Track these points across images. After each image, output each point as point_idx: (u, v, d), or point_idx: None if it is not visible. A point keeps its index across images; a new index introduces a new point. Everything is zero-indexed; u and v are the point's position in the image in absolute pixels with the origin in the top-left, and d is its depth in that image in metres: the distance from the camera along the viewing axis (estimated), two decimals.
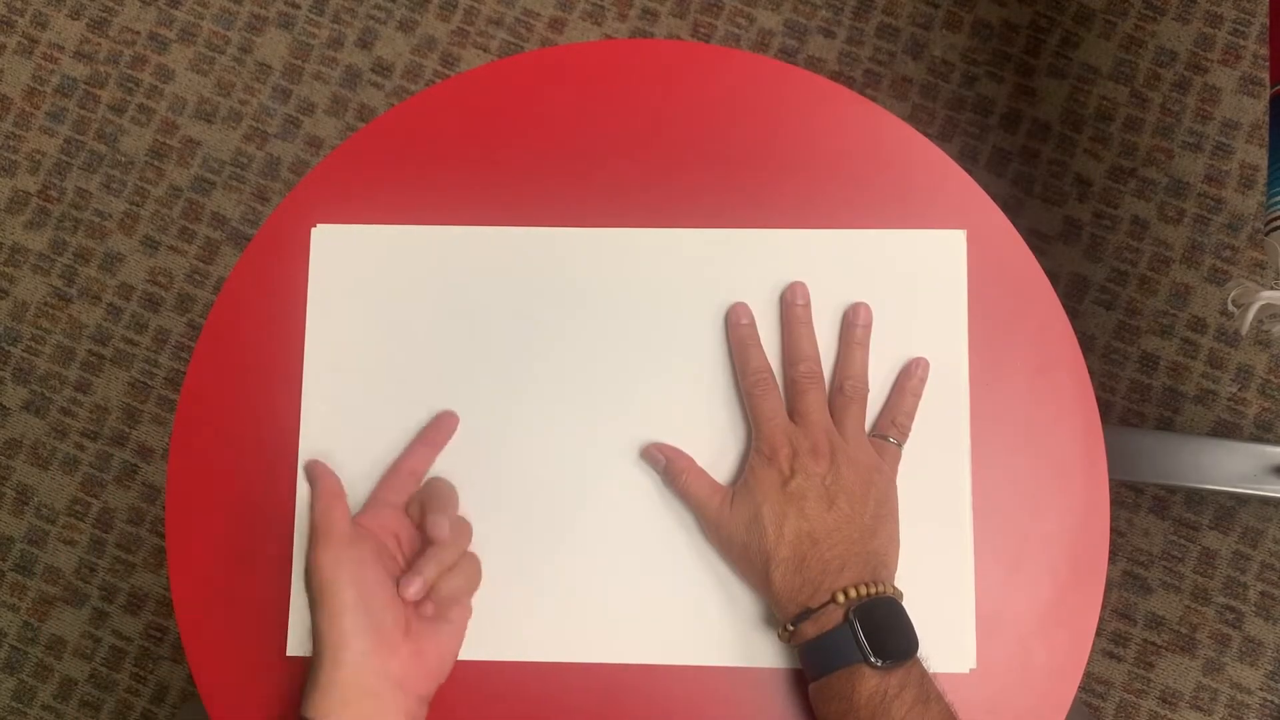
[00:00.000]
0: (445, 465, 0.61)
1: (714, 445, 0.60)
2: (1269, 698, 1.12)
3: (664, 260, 0.62)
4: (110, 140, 1.24)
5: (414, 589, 0.54)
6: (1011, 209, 1.18)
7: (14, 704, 1.18)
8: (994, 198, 0.63)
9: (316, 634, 0.52)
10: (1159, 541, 1.14)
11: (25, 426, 1.21)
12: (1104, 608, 1.10)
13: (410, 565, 0.56)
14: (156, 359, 1.21)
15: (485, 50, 1.24)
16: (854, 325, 0.60)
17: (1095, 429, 0.60)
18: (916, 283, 0.61)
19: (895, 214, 0.62)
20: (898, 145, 0.63)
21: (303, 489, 0.61)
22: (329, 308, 0.62)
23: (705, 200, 0.63)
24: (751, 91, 0.64)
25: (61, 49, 1.26)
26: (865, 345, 0.60)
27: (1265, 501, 1.13)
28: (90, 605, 1.19)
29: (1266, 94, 1.15)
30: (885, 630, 0.52)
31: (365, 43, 1.25)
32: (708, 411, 0.61)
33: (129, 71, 1.25)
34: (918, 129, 0.65)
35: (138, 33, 1.26)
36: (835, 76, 1.22)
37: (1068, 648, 0.58)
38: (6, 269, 1.23)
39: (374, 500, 0.59)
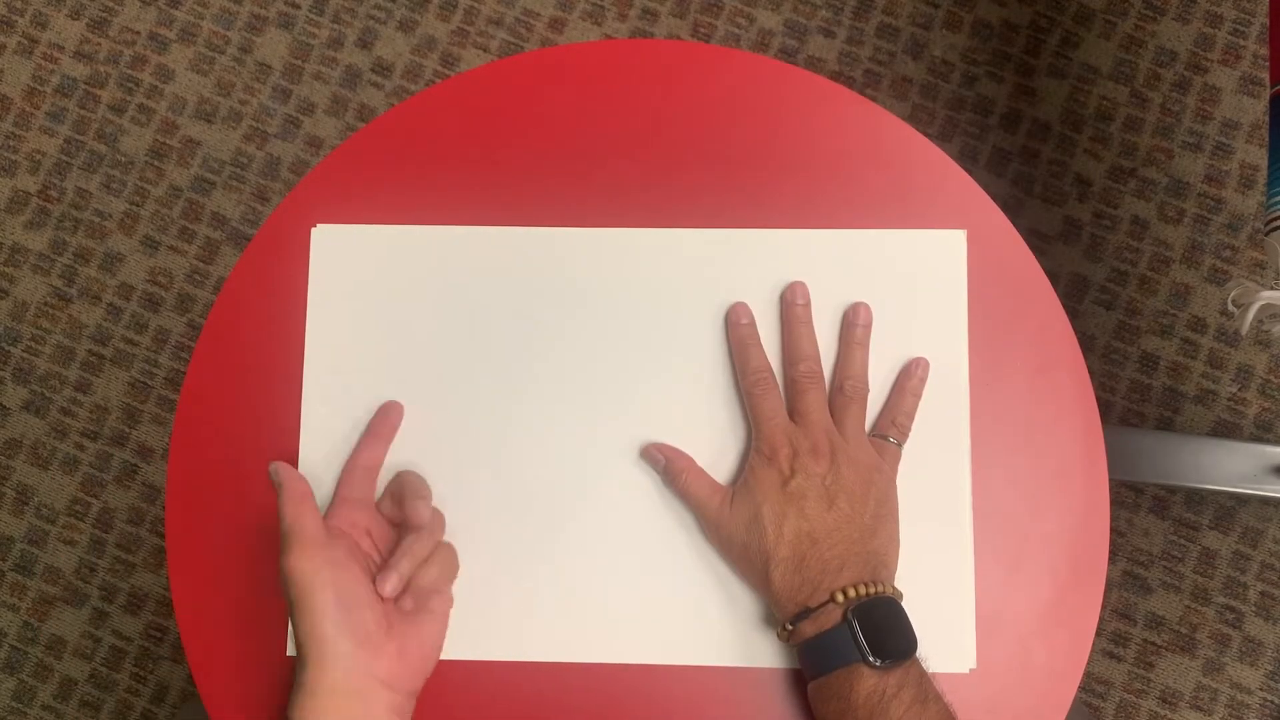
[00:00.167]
0: (446, 465, 0.61)
1: (714, 445, 0.60)
2: (1269, 698, 1.12)
3: (664, 260, 0.62)
4: (110, 140, 1.24)
5: (390, 585, 0.53)
6: (1011, 209, 1.18)
7: (14, 704, 1.18)
8: (994, 198, 0.63)
9: (299, 638, 0.52)
10: (1159, 541, 1.14)
11: (25, 426, 1.21)
12: (1104, 608, 1.10)
13: (385, 561, 0.56)
14: (156, 359, 1.21)
15: (485, 50, 1.24)
16: (854, 325, 0.60)
17: (1095, 429, 0.60)
18: (916, 283, 0.61)
19: (895, 214, 0.62)
20: (898, 145, 0.63)
21: None
22: (329, 308, 0.62)
23: (705, 200, 0.63)
24: (751, 91, 0.64)
25: (61, 49, 1.26)
26: (865, 345, 0.60)
27: (1265, 501, 1.13)
28: (90, 605, 1.19)
29: (1266, 94, 1.15)
30: (884, 630, 0.52)
31: (365, 43, 1.25)
32: (708, 411, 0.61)
33: (129, 71, 1.25)
34: (918, 129, 0.65)
35: (138, 33, 1.26)
36: (835, 76, 1.22)
37: (1068, 648, 0.58)
38: (6, 269, 1.23)
39: (339, 500, 0.58)
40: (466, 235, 0.63)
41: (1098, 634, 1.02)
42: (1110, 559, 1.08)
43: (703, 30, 1.24)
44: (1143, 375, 1.16)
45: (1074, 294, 1.17)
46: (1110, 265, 1.18)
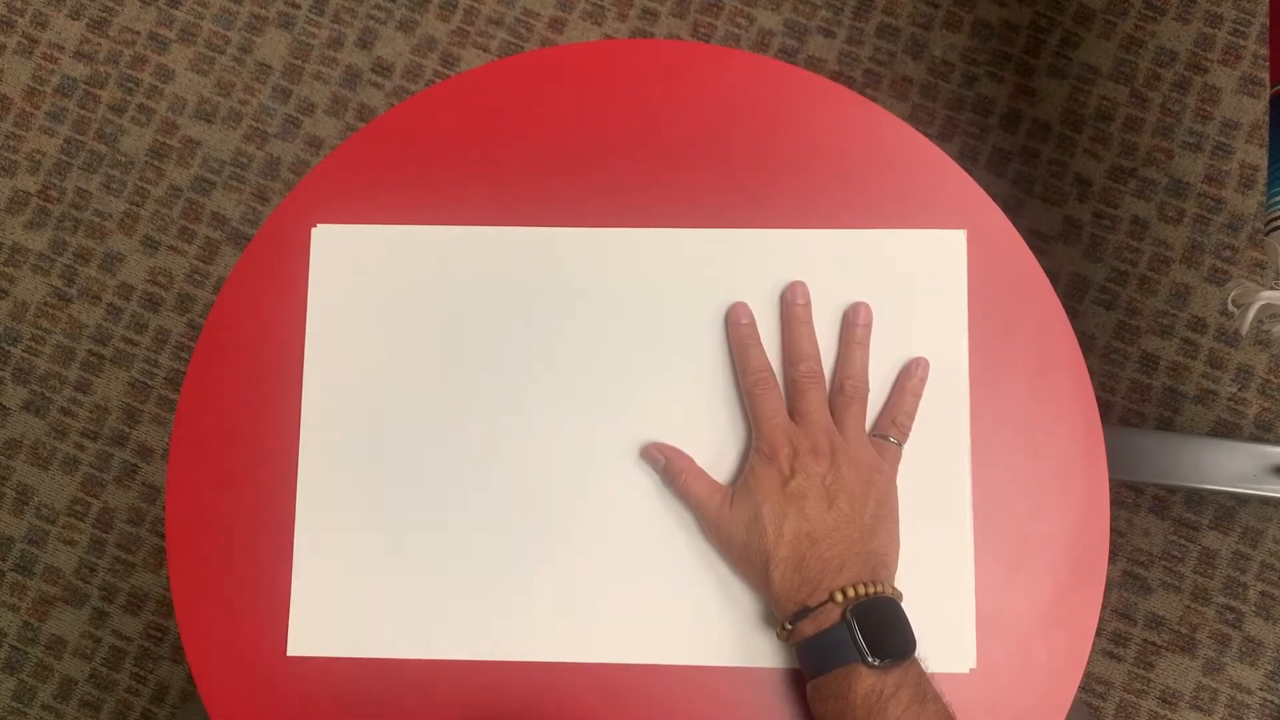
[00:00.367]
0: (445, 465, 0.61)
1: (714, 445, 0.60)
2: (1269, 698, 1.12)
3: (664, 260, 0.62)
4: (110, 140, 1.24)
5: None
6: (1011, 209, 1.18)
7: (14, 704, 1.18)
8: (994, 198, 0.63)
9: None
10: (1159, 541, 1.14)
11: (25, 426, 1.21)
12: (1104, 608, 1.10)
13: None
14: (156, 359, 1.21)
15: (485, 50, 1.24)
16: (854, 325, 0.60)
17: (1095, 429, 0.60)
18: (916, 283, 0.61)
19: (895, 214, 0.62)
20: (898, 145, 0.63)
21: (303, 489, 0.60)
22: (329, 308, 0.62)
23: (705, 200, 0.63)
24: (751, 91, 0.64)
25: (61, 49, 1.26)
26: (865, 345, 0.60)
27: (1265, 501, 1.13)
28: (90, 605, 1.19)
29: (1266, 94, 1.15)
30: (883, 630, 0.52)
31: (365, 43, 1.25)
32: (708, 411, 0.61)
33: (129, 71, 1.25)
34: (918, 129, 0.65)
35: (138, 33, 1.26)
36: (835, 76, 1.22)
37: (1068, 648, 0.58)
38: (6, 269, 1.23)
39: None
40: (466, 235, 0.63)
41: (1098, 634, 1.02)
42: (1110, 559, 1.08)
43: (703, 30, 1.24)
44: (1143, 375, 1.16)
45: (1074, 294, 1.17)
46: (1110, 265, 1.18)
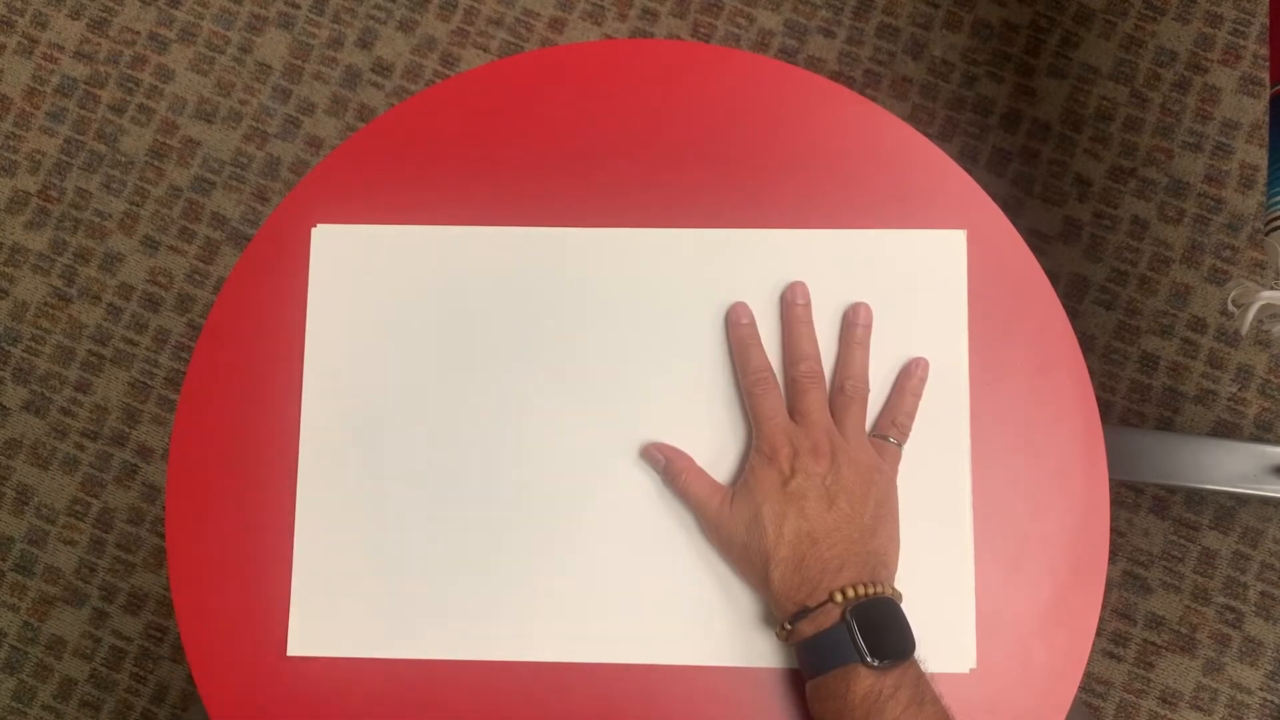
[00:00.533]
0: (445, 465, 0.61)
1: (714, 445, 0.60)
2: (1269, 698, 1.12)
3: (664, 260, 0.62)
4: (110, 140, 1.24)
5: None
6: (1011, 209, 1.18)
7: (14, 704, 1.18)
8: (994, 198, 0.63)
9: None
10: (1159, 541, 1.14)
11: (25, 426, 1.21)
12: (1104, 608, 1.10)
13: None
14: (156, 359, 1.21)
15: (485, 50, 1.24)
16: (854, 325, 0.60)
17: (1095, 429, 0.60)
18: (916, 283, 0.61)
19: (895, 214, 0.62)
20: (898, 145, 0.63)
21: (303, 489, 0.61)
22: (329, 308, 0.62)
23: (705, 200, 0.63)
24: (751, 91, 0.64)
25: (61, 49, 1.26)
26: (865, 345, 0.60)
27: (1265, 501, 1.13)
28: (90, 605, 1.19)
29: (1266, 94, 1.15)
30: (882, 630, 0.52)
31: (365, 43, 1.25)
32: (708, 411, 0.61)
33: (129, 71, 1.25)
34: (918, 129, 0.65)
35: (138, 33, 1.26)
36: (835, 76, 1.22)
37: (1068, 648, 0.58)
38: (6, 269, 1.23)
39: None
40: (466, 235, 0.63)
41: (1098, 634, 1.02)
42: (1110, 559, 1.08)
43: (703, 30, 1.24)
44: (1143, 375, 1.16)
45: (1074, 294, 1.17)
46: (1110, 265, 1.18)
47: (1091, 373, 0.64)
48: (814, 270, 0.61)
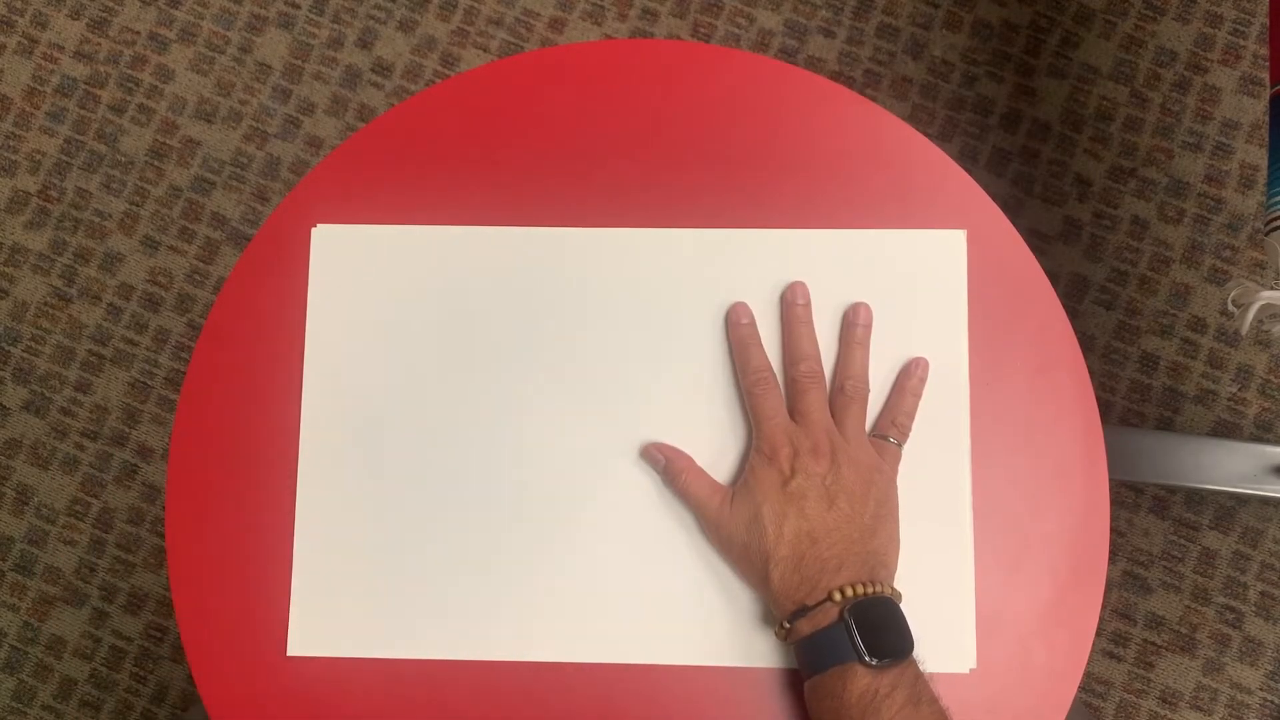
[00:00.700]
0: (445, 465, 0.61)
1: (714, 445, 0.60)
2: (1269, 698, 1.12)
3: (664, 260, 0.62)
4: (110, 140, 1.24)
5: None
6: (1011, 209, 1.18)
7: (14, 704, 1.18)
8: (994, 198, 0.63)
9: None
10: (1159, 541, 1.14)
11: (25, 426, 1.21)
12: (1104, 608, 1.10)
13: None
14: (156, 359, 1.21)
15: (485, 50, 1.24)
16: (854, 325, 0.60)
17: (1095, 429, 0.60)
18: (916, 283, 0.61)
19: (895, 214, 0.62)
20: (898, 145, 0.63)
21: (303, 489, 0.61)
22: (329, 308, 0.62)
23: (705, 200, 0.63)
24: (751, 91, 0.64)
25: (61, 49, 1.26)
26: (866, 345, 0.60)
27: (1265, 501, 1.13)
28: (90, 605, 1.19)
29: (1266, 94, 1.15)
30: (880, 629, 0.52)
31: (365, 43, 1.25)
32: (708, 411, 0.61)
33: (129, 71, 1.25)
34: (918, 129, 0.65)
35: (138, 33, 1.26)
36: (835, 76, 1.22)
37: (1068, 648, 0.58)
38: (6, 269, 1.23)
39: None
40: (466, 235, 0.63)
41: (1098, 634, 1.02)
42: (1110, 559, 1.08)
43: (703, 30, 1.24)
44: (1143, 375, 1.16)
45: (1074, 294, 1.17)
46: (1110, 265, 1.18)
47: (1091, 373, 0.64)
48: (814, 270, 0.61)
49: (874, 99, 1.10)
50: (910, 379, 0.60)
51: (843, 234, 0.62)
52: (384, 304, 0.62)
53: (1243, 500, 1.13)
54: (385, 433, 0.61)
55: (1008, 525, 0.59)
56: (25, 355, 1.22)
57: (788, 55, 1.22)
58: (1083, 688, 1.13)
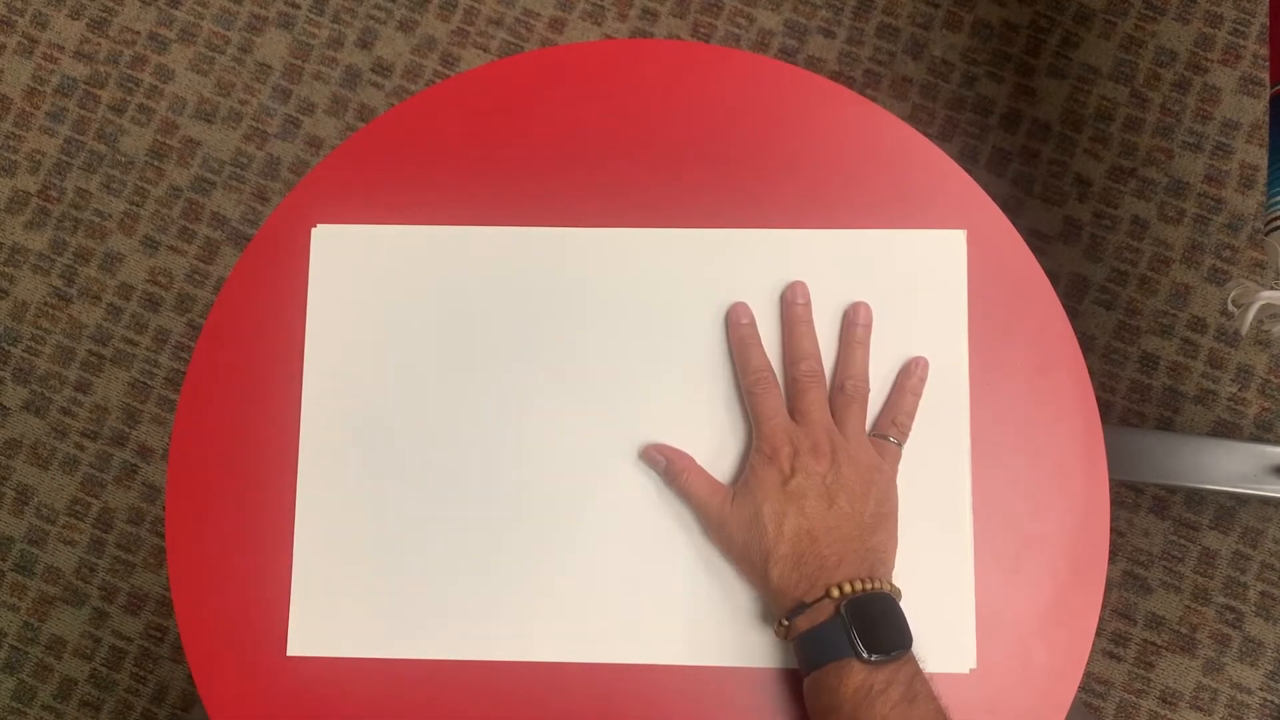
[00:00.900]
0: (445, 465, 0.61)
1: (714, 445, 0.60)
2: (1269, 698, 1.12)
3: (664, 260, 0.62)
4: (110, 140, 1.24)
5: None
6: (1011, 209, 1.18)
7: (14, 704, 1.18)
8: (994, 198, 0.63)
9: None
10: (1159, 541, 1.14)
11: (25, 426, 1.21)
12: (1104, 608, 1.10)
13: None
14: (156, 359, 1.21)
15: (485, 50, 1.24)
16: (854, 325, 0.60)
17: (1095, 429, 0.60)
18: (916, 283, 0.61)
19: (895, 214, 0.62)
20: (898, 145, 0.63)
21: (303, 489, 0.61)
22: (329, 308, 0.62)
23: (705, 200, 0.63)
24: (751, 91, 0.64)
25: (61, 49, 1.26)
26: (866, 345, 0.60)
27: (1265, 501, 1.13)
28: (90, 605, 1.19)
29: (1266, 94, 1.15)
30: (877, 625, 0.52)
31: (365, 43, 1.25)
32: (708, 411, 0.61)
33: (129, 71, 1.25)
34: (918, 129, 0.65)
35: (138, 33, 1.26)
36: (835, 76, 1.22)
37: (1068, 648, 0.58)
38: (6, 269, 1.23)
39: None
40: (466, 235, 0.63)
41: (1098, 634, 1.02)
42: (1110, 559, 1.08)
43: (703, 30, 1.24)
44: (1143, 375, 1.16)
45: (1074, 294, 1.17)
46: (1110, 265, 1.18)
47: (1091, 373, 0.64)
48: (814, 270, 0.61)
49: (874, 99, 1.10)
50: (910, 378, 0.60)
51: (843, 234, 0.62)
52: (384, 304, 0.62)
53: (1243, 500, 1.13)
54: (385, 433, 0.61)
55: (1008, 525, 0.59)
56: (25, 355, 1.22)
57: (788, 55, 1.22)
58: (1083, 688, 1.13)
